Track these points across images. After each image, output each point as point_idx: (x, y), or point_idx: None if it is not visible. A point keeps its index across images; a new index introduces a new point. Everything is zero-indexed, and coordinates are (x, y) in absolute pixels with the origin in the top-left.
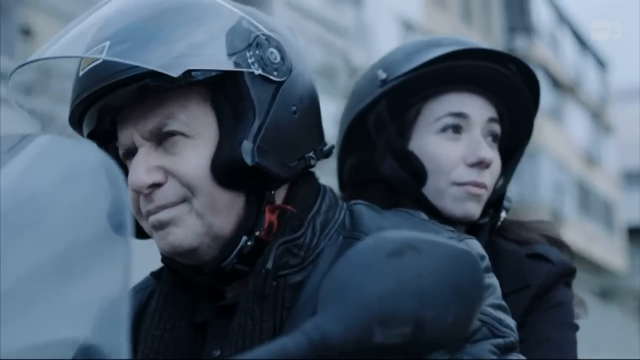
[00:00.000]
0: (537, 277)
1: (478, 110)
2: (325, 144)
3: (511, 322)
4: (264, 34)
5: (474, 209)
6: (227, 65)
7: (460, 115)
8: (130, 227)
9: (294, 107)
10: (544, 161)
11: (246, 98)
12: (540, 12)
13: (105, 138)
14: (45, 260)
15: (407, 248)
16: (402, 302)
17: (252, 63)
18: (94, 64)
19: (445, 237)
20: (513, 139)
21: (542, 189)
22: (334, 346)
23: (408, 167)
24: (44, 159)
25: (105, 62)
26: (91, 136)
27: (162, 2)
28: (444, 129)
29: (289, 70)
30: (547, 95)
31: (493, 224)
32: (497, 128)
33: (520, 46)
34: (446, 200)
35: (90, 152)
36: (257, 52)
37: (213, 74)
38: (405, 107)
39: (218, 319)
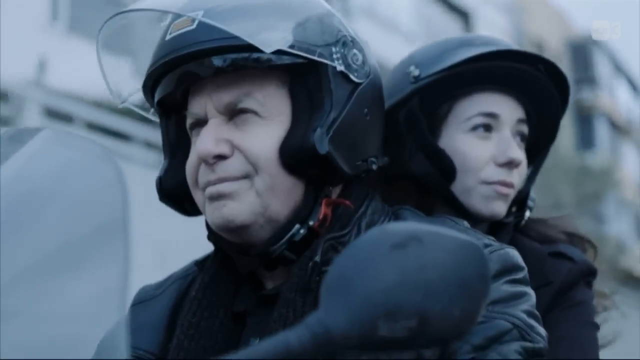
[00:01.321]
0: (559, 275)
1: (508, 110)
2: (383, 156)
3: (542, 332)
4: (350, 36)
5: (501, 208)
6: (315, 54)
7: (491, 115)
8: (129, 222)
9: (366, 110)
10: (611, 199)
11: (325, 90)
12: (600, 64)
13: (171, 107)
14: (45, 255)
15: (410, 240)
16: (406, 295)
17: (337, 59)
18: (185, 29)
19: (481, 244)
20: (539, 139)
21: (607, 221)
22: (337, 340)
23: (438, 164)
24: (46, 153)
25: (196, 29)
26: (159, 103)
27: None
28: (474, 128)
29: (367, 75)
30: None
31: (517, 223)
32: (525, 128)
33: (586, 97)
34: (474, 199)
35: (91, 146)
36: (342, 50)
37: (300, 59)
38: (436, 105)
39: (258, 309)
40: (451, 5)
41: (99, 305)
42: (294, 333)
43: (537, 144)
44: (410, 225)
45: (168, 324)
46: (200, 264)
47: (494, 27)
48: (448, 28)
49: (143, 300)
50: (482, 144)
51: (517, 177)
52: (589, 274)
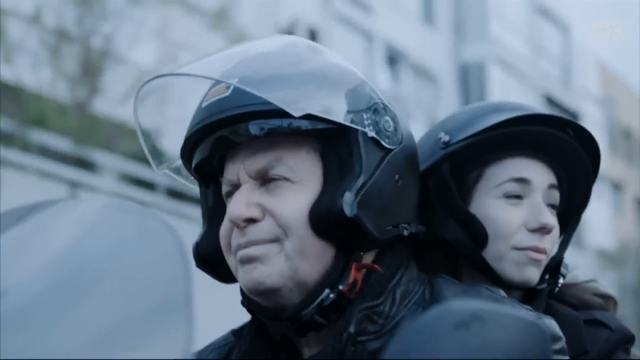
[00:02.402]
0: (596, 343)
1: (539, 175)
2: (417, 223)
3: None
4: (382, 103)
5: (533, 274)
6: (346, 119)
7: (522, 180)
8: (191, 296)
9: (397, 176)
10: None
11: (356, 155)
12: None
13: (208, 174)
14: (102, 331)
15: (473, 319)
16: None
17: (368, 125)
18: (220, 96)
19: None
20: (570, 204)
21: None
22: None
23: (469, 230)
24: (103, 223)
25: (230, 95)
26: (197, 170)
27: (298, 59)
28: (506, 195)
29: (400, 142)
30: None
31: (551, 290)
32: (556, 194)
33: None
34: (506, 265)
35: (151, 217)
36: (373, 116)
37: (331, 125)
38: (467, 170)
39: None
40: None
41: None
42: None
43: (569, 210)
44: (472, 304)
45: None
46: (237, 333)
47: (589, 119)
48: None
49: None
50: (514, 210)
51: (549, 243)
52: (627, 341)
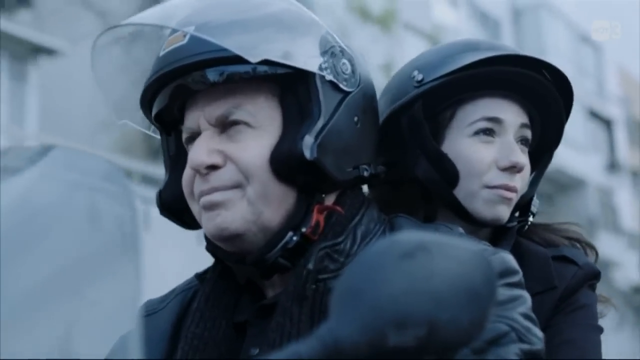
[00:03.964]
0: (563, 279)
1: (512, 115)
2: (378, 164)
3: (539, 333)
4: (339, 46)
5: (504, 212)
6: (304, 64)
7: (494, 119)
8: (140, 238)
9: (357, 118)
10: None
11: (314, 99)
12: None
13: (169, 123)
14: (53, 275)
15: (418, 249)
16: (415, 303)
17: (325, 68)
18: (177, 44)
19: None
20: (542, 144)
21: None
22: (347, 350)
23: (440, 168)
24: (53, 171)
25: (187, 44)
26: (157, 118)
27: (249, 4)
28: (477, 133)
29: (357, 84)
30: None
31: (520, 228)
32: (528, 133)
33: None
34: (477, 203)
35: (99, 164)
36: (331, 60)
37: (289, 69)
38: (440, 110)
39: (258, 319)
40: None
41: (112, 318)
42: (304, 345)
43: (541, 149)
44: (418, 235)
45: (172, 336)
46: (201, 277)
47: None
48: None
49: (147, 314)
50: (485, 148)
51: (520, 181)
52: (593, 277)
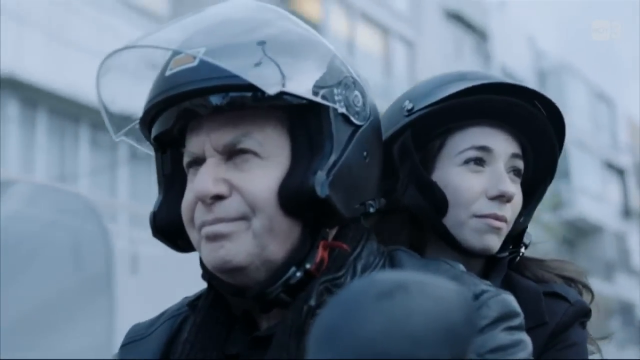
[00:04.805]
0: (555, 315)
1: (502, 144)
2: (380, 197)
3: None
4: (352, 77)
5: (493, 242)
6: (318, 96)
7: (484, 148)
8: (113, 275)
9: (366, 153)
10: None
11: (326, 132)
12: None
13: (168, 143)
14: (26, 313)
15: (397, 289)
16: (394, 343)
17: (339, 100)
18: (185, 66)
19: (478, 290)
20: (536, 175)
21: None
22: None
23: (430, 197)
24: (30, 206)
25: (197, 66)
26: (156, 138)
27: (267, 27)
28: (467, 162)
29: (368, 117)
30: None
31: (512, 259)
32: (519, 164)
33: None
34: (466, 232)
35: (75, 199)
36: (344, 92)
37: (302, 100)
38: (430, 139)
39: (251, 351)
40: None
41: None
42: None
43: (535, 180)
44: (396, 275)
45: None
46: (192, 303)
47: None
48: None
49: (134, 339)
50: (475, 178)
51: (510, 211)
52: (584, 314)
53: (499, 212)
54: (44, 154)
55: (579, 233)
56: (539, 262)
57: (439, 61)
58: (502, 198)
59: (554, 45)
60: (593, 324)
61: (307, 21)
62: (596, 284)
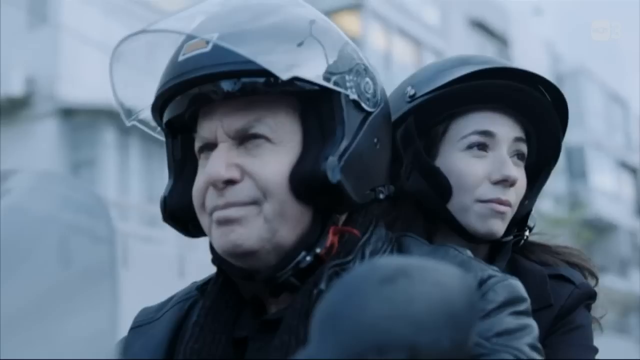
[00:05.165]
0: (560, 298)
1: (505, 129)
2: (389, 184)
3: None
4: (363, 64)
5: (498, 227)
6: (330, 82)
7: (486, 133)
8: (117, 264)
9: (376, 139)
10: None
11: (338, 118)
12: None
13: (179, 128)
14: (24, 308)
15: (399, 274)
16: (396, 328)
17: (350, 87)
18: (198, 51)
19: (485, 275)
20: (540, 159)
21: None
22: None
23: (433, 182)
24: (32, 194)
25: (211, 51)
26: (167, 124)
27: (279, 13)
28: (470, 147)
29: (378, 104)
30: None
31: (516, 242)
32: (523, 147)
33: None
34: (470, 217)
35: (80, 187)
36: (355, 78)
37: (314, 86)
38: (433, 124)
39: (259, 334)
40: None
41: (88, 348)
42: None
43: (539, 164)
44: (398, 260)
45: (167, 349)
46: (202, 287)
47: None
48: None
49: (143, 323)
50: (478, 162)
51: (514, 195)
52: (589, 297)
53: (503, 197)
54: (137, 177)
55: (595, 231)
56: (545, 247)
57: None
58: (505, 182)
59: (569, 48)
60: (610, 320)
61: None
62: (611, 280)
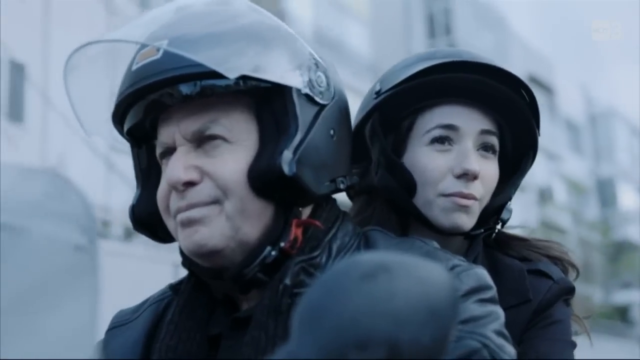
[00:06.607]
0: (538, 293)
1: (469, 121)
2: (352, 175)
3: (511, 350)
4: (314, 58)
5: (462, 220)
6: (280, 78)
7: (449, 127)
8: (98, 259)
9: (332, 131)
10: None
11: (291, 113)
12: None
13: (141, 137)
14: (14, 294)
15: (379, 270)
16: (376, 324)
17: (301, 82)
18: (150, 59)
19: (450, 264)
20: (517, 151)
21: None
22: None
23: (398, 178)
24: (13, 189)
25: (161, 58)
26: (129, 133)
27: (229, 19)
28: (433, 141)
29: (332, 97)
30: None
31: (488, 235)
32: (492, 140)
33: None
34: (435, 211)
35: (61, 182)
36: (306, 73)
37: (265, 83)
38: (400, 120)
39: (232, 332)
40: None
41: (70, 342)
42: None
43: (518, 155)
44: (379, 256)
45: (144, 347)
46: (175, 287)
47: None
48: None
49: (119, 324)
50: (441, 157)
51: (481, 188)
52: (568, 292)
53: (465, 190)
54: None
55: (622, 250)
56: (524, 242)
57: None
58: (467, 176)
59: (602, 90)
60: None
61: None
62: (636, 295)
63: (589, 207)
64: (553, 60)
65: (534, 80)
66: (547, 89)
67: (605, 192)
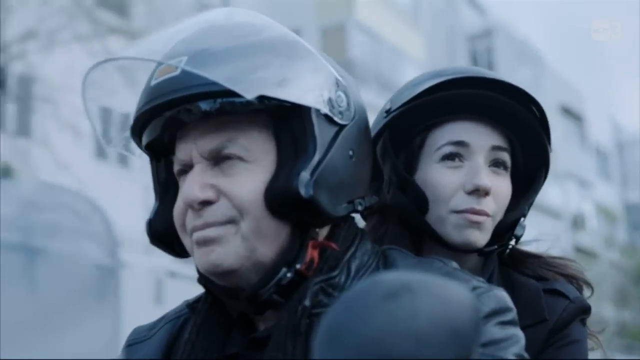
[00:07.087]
0: (554, 312)
1: (479, 137)
2: (372, 195)
3: None
4: (335, 77)
5: (475, 237)
6: (300, 98)
7: (459, 143)
8: (119, 278)
9: (351, 152)
10: None
11: (309, 133)
12: None
13: (160, 152)
14: (35, 312)
15: (402, 289)
16: (398, 344)
17: (321, 102)
18: (169, 75)
19: (470, 286)
20: (529, 167)
21: None
22: None
23: (410, 195)
24: (32, 205)
25: (180, 75)
26: (147, 147)
27: (246, 31)
28: (444, 158)
29: (352, 117)
30: None
31: (502, 252)
32: (503, 156)
33: None
34: (447, 228)
35: (83, 200)
36: (327, 92)
37: (285, 103)
38: (411, 137)
39: (249, 352)
40: None
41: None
42: None
43: (530, 171)
44: (402, 275)
45: None
46: (192, 306)
47: None
48: None
49: (136, 342)
50: (452, 173)
51: (493, 204)
52: (584, 311)
53: (477, 207)
54: None
55: None
56: (539, 259)
57: (558, 146)
58: (479, 192)
59: (630, 118)
60: None
61: None
62: None
63: (619, 231)
64: (583, 90)
65: (565, 110)
66: (578, 118)
67: (634, 217)
